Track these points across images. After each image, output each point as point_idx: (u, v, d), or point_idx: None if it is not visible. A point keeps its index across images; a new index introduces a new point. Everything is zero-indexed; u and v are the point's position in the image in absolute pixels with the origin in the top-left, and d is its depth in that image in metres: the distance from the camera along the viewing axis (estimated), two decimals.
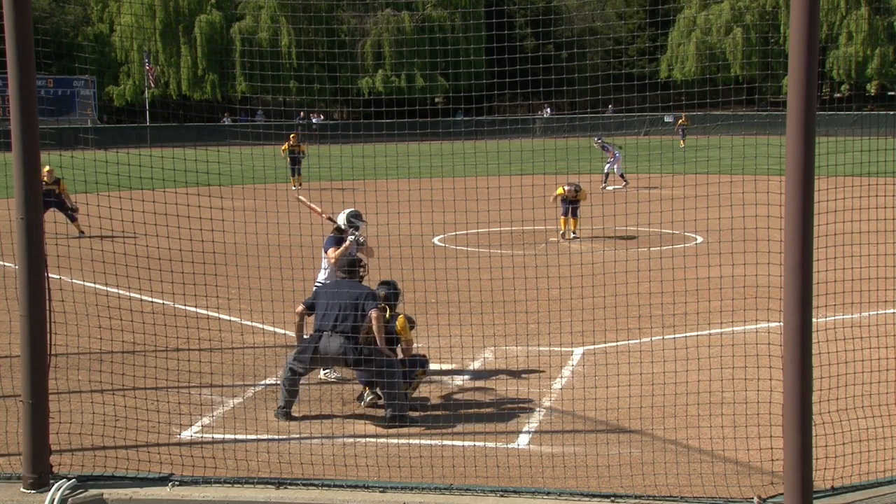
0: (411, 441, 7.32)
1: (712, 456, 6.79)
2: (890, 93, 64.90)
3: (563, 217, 18.67)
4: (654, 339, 10.19)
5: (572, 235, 18.49)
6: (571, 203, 18.52)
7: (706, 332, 10.49)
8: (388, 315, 8.30)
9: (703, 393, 7.31)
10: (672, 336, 10.12)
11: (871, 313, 10.18)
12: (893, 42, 63.65)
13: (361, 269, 8.58)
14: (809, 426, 5.21)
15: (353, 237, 9.36)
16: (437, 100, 64.68)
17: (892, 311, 10.46)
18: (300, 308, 8.24)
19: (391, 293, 8.52)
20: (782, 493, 5.24)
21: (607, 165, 29.02)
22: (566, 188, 18.34)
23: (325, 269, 9.57)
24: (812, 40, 5.11)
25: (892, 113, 47.11)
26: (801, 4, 5.09)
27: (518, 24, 66.01)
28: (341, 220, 9.50)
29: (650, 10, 58.07)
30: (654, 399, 7.32)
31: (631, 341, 10.20)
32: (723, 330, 10.79)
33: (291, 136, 30.05)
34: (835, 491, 5.33)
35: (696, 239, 17.11)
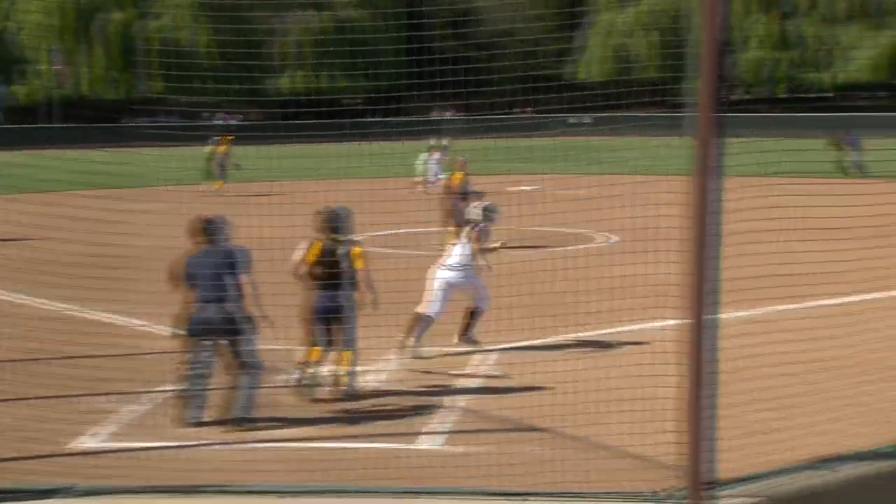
0: (324, 444, 7.28)
1: (619, 451, 6.88)
2: (797, 95, 66.60)
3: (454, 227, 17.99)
4: (566, 337, 10.30)
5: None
6: (461, 199, 17.78)
7: (616, 329, 10.64)
8: (338, 245, 8.11)
9: (611, 390, 7.41)
10: (584, 334, 10.26)
11: (773, 308, 10.46)
12: (801, 46, 65.39)
13: (221, 230, 8.09)
14: (711, 420, 5.31)
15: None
16: (356, 100, 64.45)
17: (793, 306, 10.73)
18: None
19: (339, 219, 8.35)
20: (686, 487, 5.34)
21: (433, 167, 29.14)
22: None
23: (464, 245, 10.36)
24: (721, 43, 5.22)
25: (799, 115, 48.39)
26: (711, 9, 5.19)
27: (437, 25, 66.06)
28: (476, 213, 10.58)
29: (568, 13, 58.69)
30: (564, 397, 7.40)
31: (544, 340, 10.29)
32: (632, 327, 10.95)
33: (222, 140, 29.81)
34: (736, 482, 5.45)
35: (609, 238, 17.34)
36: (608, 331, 10.80)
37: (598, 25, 64.20)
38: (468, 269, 10.39)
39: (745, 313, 10.23)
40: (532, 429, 7.44)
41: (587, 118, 48.78)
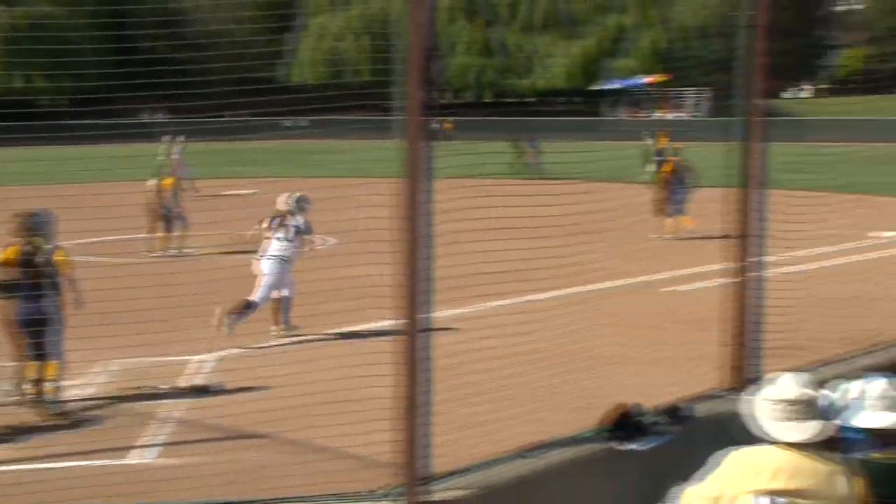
0: (26, 465, 6.84)
1: (340, 453, 6.93)
2: (502, 100, 69.85)
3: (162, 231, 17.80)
4: (286, 340, 10.26)
5: (174, 250, 17.62)
6: (164, 207, 17.64)
7: (336, 331, 10.72)
8: (38, 249, 7.62)
9: (331, 391, 7.44)
10: (304, 337, 10.26)
11: (483, 305, 10.90)
12: (503, 53, 68.67)
13: None
14: (426, 417, 5.46)
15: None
16: (59, 102, 60.88)
17: (500, 302, 11.23)
18: None
19: (39, 222, 7.86)
20: (403, 483, 5.46)
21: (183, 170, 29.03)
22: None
23: (281, 238, 11.20)
24: (428, 49, 5.35)
25: (504, 119, 50.73)
26: (417, 15, 5.31)
27: (145, 25, 63.62)
28: (288, 204, 11.47)
29: (280, 15, 58.42)
30: (283, 401, 7.35)
31: (263, 345, 10.19)
32: (351, 328, 11.07)
33: None
34: (450, 476, 5.63)
35: (326, 241, 17.41)
36: (328, 332, 10.85)
37: (310, 29, 64.34)
38: (285, 261, 11.22)
39: (458, 311, 10.60)
40: (251, 435, 7.35)
41: (303, 121, 48.78)
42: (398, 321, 5.52)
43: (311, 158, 38.69)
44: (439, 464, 5.70)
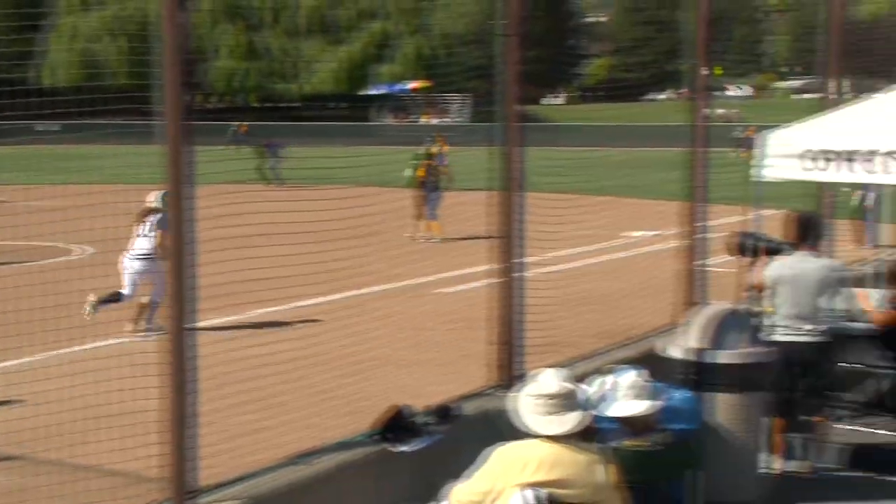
0: None
1: (102, 471, 6.63)
2: (269, 104, 69.09)
3: None
4: (38, 356, 9.72)
5: None
6: None
7: (97, 344, 10.27)
8: None
9: (91, 407, 7.11)
10: (62, 351, 9.74)
11: (254, 312, 10.79)
12: (269, 57, 67.97)
13: None
14: (194, 428, 5.33)
15: None
16: None
17: (273, 308, 11.14)
18: None
19: None
20: (169, 498, 5.30)
21: None
22: None
23: (146, 235, 11.59)
24: (185, 52, 5.22)
25: (270, 123, 50.17)
26: (171, 17, 5.17)
27: None
28: (156, 202, 11.49)
29: (29, 13, 55.29)
30: (38, 419, 6.97)
31: (14, 361, 9.61)
32: (115, 341, 10.66)
33: None
34: (219, 487, 5.51)
35: (85, 250, 16.67)
36: (88, 346, 10.36)
37: (60, 28, 61.21)
38: (151, 258, 11.51)
39: (227, 318, 10.40)
40: (1, 458, 6.92)
41: (55, 125, 46.27)
42: (164, 330, 5.36)
43: (70, 164, 36.82)
44: (213, 475, 5.58)
